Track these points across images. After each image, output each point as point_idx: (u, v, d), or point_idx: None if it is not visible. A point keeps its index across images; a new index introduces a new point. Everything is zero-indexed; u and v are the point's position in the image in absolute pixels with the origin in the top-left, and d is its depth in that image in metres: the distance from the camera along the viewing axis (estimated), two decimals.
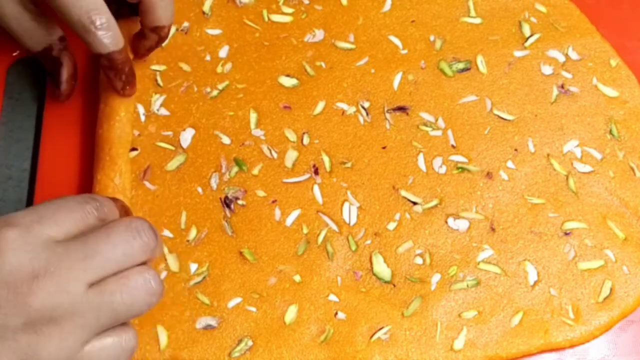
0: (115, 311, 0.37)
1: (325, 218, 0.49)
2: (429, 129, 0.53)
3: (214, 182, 0.50)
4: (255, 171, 0.51)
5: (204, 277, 0.47)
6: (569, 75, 0.55)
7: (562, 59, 0.56)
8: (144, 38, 0.51)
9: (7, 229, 0.36)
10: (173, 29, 0.55)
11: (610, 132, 0.53)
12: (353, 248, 0.49)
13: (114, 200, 0.43)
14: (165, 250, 0.48)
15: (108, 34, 0.46)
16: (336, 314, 0.47)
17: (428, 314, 0.47)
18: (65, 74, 0.51)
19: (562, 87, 0.55)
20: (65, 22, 0.46)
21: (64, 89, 0.52)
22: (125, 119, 0.51)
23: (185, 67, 0.54)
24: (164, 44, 0.53)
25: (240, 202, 0.50)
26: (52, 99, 0.53)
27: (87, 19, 0.45)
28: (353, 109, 0.53)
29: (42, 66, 0.52)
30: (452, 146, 0.52)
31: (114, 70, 0.49)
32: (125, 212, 0.43)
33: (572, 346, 0.47)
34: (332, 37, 0.56)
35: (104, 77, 0.51)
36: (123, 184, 0.49)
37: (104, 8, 0.46)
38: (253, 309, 0.47)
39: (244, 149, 0.51)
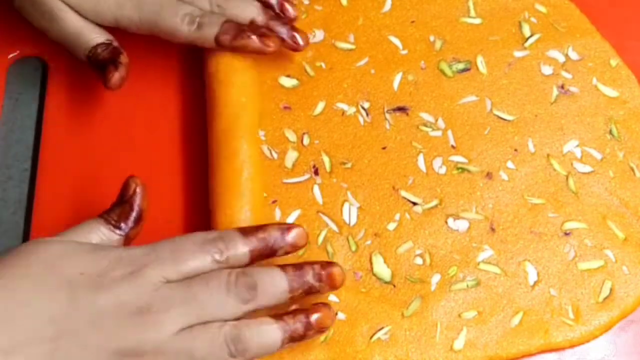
0: (192, 359, 0.39)
1: (325, 218, 0.49)
2: (428, 129, 0.53)
3: None
4: None
5: None
6: (568, 76, 0.55)
7: (562, 59, 0.56)
8: None
9: (120, 268, 0.39)
10: None
11: (610, 132, 0.53)
12: (353, 248, 0.49)
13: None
14: None
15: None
16: (336, 314, 0.46)
17: (428, 314, 0.47)
18: (124, 58, 0.50)
19: (562, 87, 0.55)
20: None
21: (122, 72, 0.49)
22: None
23: None
24: None
25: None
26: (53, 98, 0.53)
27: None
28: (353, 109, 0.53)
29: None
30: (452, 146, 0.52)
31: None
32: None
33: (572, 346, 0.47)
34: (332, 38, 0.56)
35: None
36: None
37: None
38: None
39: None
